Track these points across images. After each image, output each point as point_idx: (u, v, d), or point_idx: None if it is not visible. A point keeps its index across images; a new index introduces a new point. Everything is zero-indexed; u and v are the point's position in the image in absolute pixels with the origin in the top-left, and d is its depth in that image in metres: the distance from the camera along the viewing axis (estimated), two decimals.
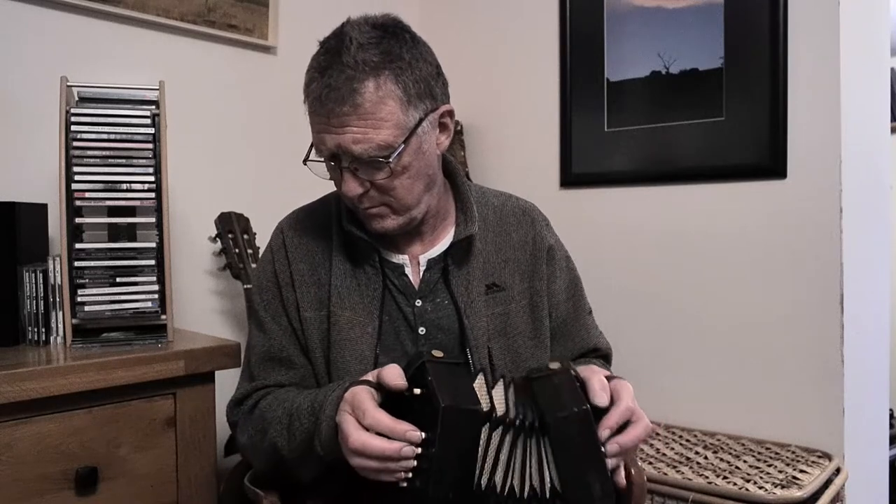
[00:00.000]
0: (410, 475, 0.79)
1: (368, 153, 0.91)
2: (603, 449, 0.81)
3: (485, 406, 0.81)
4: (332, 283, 1.02)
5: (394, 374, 0.83)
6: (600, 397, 0.84)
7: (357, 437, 0.80)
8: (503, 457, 0.82)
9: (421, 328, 1.02)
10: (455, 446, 0.78)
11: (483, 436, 0.81)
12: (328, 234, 1.06)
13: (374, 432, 0.80)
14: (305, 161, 0.98)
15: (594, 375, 0.87)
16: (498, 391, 0.85)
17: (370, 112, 0.89)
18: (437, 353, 0.84)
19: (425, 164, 0.97)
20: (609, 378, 0.88)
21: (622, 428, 0.84)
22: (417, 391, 0.80)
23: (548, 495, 0.80)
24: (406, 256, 1.05)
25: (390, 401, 0.83)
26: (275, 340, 1.05)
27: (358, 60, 0.89)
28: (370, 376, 0.86)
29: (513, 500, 0.81)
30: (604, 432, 0.82)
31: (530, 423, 0.82)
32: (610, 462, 0.82)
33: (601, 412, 0.84)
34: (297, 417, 0.93)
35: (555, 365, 0.88)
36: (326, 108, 0.90)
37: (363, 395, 0.83)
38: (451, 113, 1.00)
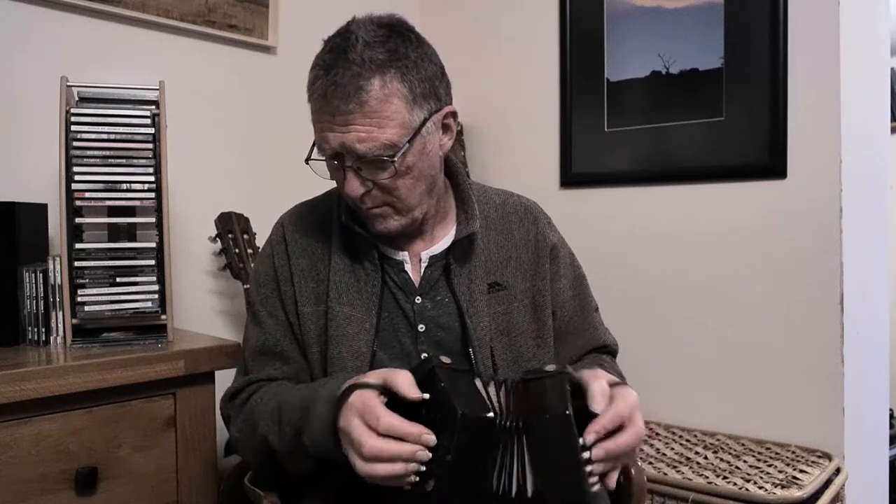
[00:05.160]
0: (418, 478, 0.79)
1: (373, 152, 0.90)
2: (586, 455, 0.79)
3: (493, 411, 0.82)
4: (331, 278, 1.02)
5: (407, 384, 0.81)
6: (598, 403, 0.82)
7: (373, 444, 0.79)
8: (498, 458, 0.82)
9: (420, 325, 1.02)
10: (469, 453, 0.79)
11: (493, 440, 0.81)
12: (329, 229, 1.06)
13: (389, 437, 0.79)
14: (307, 160, 0.98)
15: (596, 381, 0.84)
16: (490, 393, 0.85)
17: (375, 110, 0.89)
18: (446, 360, 0.84)
19: (428, 164, 0.97)
20: (615, 384, 0.86)
21: (614, 433, 0.81)
22: (427, 396, 0.80)
23: (529, 495, 0.80)
24: (406, 253, 1.05)
25: (397, 405, 0.83)
26: (269, 335, 1.05)
27: (364, 58, 0.88)
28: (372, 377, 0.85)
29: (506, 500, 0.81)
30: (588, 436, 0.79)
31: (515, 425, 0.82)
32: (596, 467, 0.80)
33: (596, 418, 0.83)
34: (288, 411, 0.93)
35: (551, 367, 0.88)
36: (331, 105, 0.89)
37: (373, 401, 0.81)
38: (454, 114, 1.00)
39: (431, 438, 0.78)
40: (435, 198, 1.03)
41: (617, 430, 0.81)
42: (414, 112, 0.92)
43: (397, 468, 0.78)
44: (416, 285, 1.04)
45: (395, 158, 0.91)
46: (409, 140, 0.92)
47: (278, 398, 0.97)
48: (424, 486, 0.79)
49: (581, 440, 0.79)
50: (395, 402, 0.83)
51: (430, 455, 0.78)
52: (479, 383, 0.86)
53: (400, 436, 0.79)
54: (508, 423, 0.82)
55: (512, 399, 0.86)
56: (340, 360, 0.99)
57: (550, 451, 0.80)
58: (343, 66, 0.89)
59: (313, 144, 0.96)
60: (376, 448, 0.79)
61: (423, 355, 0.85)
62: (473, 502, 0.81)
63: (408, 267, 1.04)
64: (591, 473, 0.80)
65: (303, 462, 0.94)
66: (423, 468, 0.78)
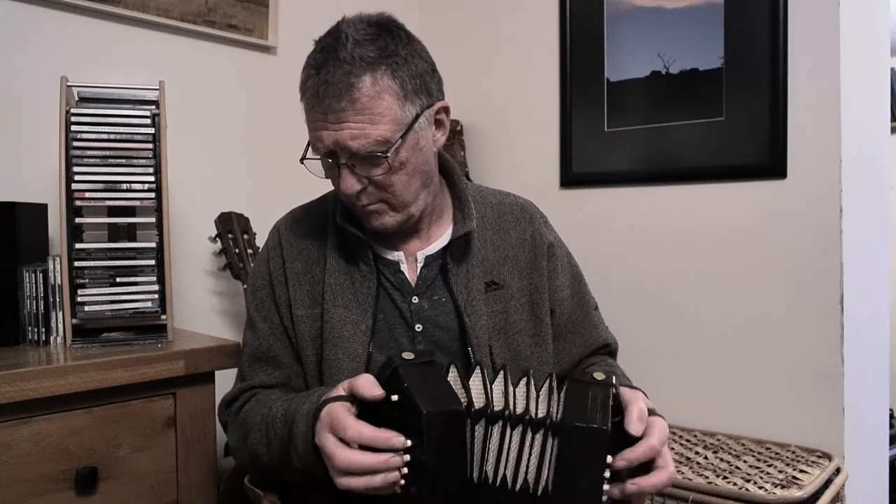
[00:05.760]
0: (403, 482, 0.78)
1: (366, 148, 0.91)
2: (606, 474, 0.78)
3: (462, 400, 0.81)
4: (326, 280, 1.02)
5: (368, 385, 0.81)
6: (635, 426, 0.81)
7: (344, 455, 0.79)
8: (492, 447, 0.81)
9: (417, 325, 1.02)
10: (443, 449, 0.78)
11: (467, 430, 0.80)
12: (324, 231, 1.06)
13: (357, 445, 0.79)
14: (302, 160, 0.98)
15: (636, 403, 0.84)
16: (475, 381, 0.85)
17: (367, 107, 0.90)
18: (408, 356, 0.83)
19: (422, 160, 0.97)
20: (649, 411, 0.85)
21: (644, 466, 0.81)
22: (395, 398, 0.79)
23: (539, 493, 0.80)
24: (401, 253, 1.05)
25: (368, 411, 0.82)
26: (263, 340, 1.05)
27: (355, 56, 0.89)
28: (340, 389, 0.85)
29: (504, 492, 0.80)
30: (619, 462, 0.79)
31: (541, 420, 0.81)
32: (614, 491, 0.80)
33: (629, 440, 0.82)
34: (273, 426, 0.94)
35: (600, 376, 0.86)
36: (323, 104, 0.90)
37: (340, 411, 0.81)
38: (446, 109, 1.00)
39: (400, 441, 0.77)
40: (431, 195, 1.04)
41: (647, 463, 0.81)
42: (406, 108, 0.92)
43: (376, 480, 0.78)
44: (413, 285, 1.04)
45: (389, 154, 0.92)
46: (401, 136, 0.92)
47: (266, 411, 0.97)
48: (410, 489, 0.78)
49: (609, 458, 0.79)
50: (367, 409, 0.82)
51: (405, 459, 0.77)
52: (453, 373, 0.85)
53: (368, 443, 0.78)
54: (530, 416, 0.81)
55: (543, 394, 0.84)
56: (336, 363, 0.99)
57: (578, 458, 0.79)
58: (334, 64, 0.89)
59: (308, 144, 0.97)
60: (347, 460, 0.79)
61: (404, 354, 0.84)
62: (465, 497, 0.80)
63: (404, 267, 1.04)
64: (606, 492, 0.79)
65: (294, 474, 0.94)
66: (406, 471, 0.78)
